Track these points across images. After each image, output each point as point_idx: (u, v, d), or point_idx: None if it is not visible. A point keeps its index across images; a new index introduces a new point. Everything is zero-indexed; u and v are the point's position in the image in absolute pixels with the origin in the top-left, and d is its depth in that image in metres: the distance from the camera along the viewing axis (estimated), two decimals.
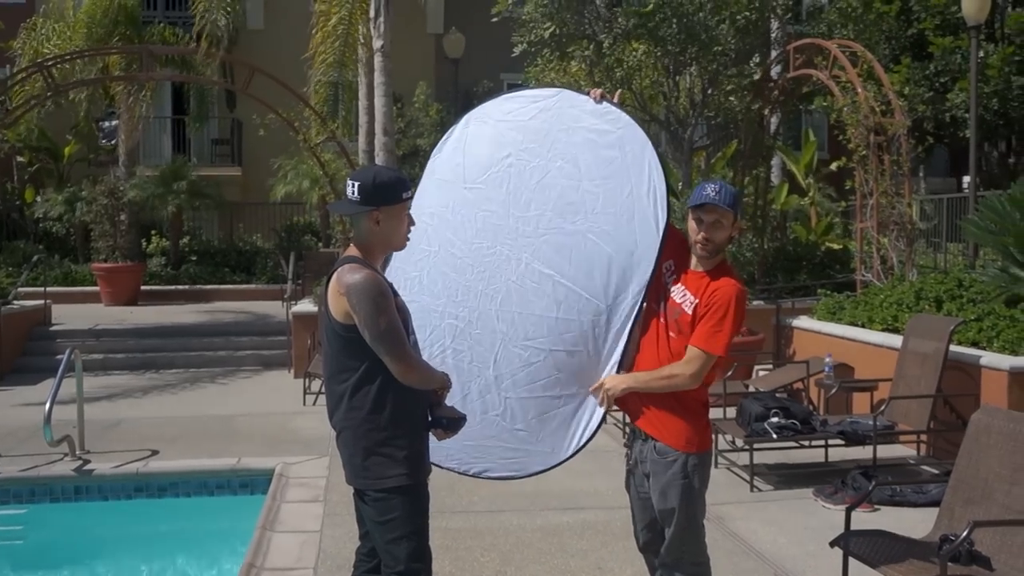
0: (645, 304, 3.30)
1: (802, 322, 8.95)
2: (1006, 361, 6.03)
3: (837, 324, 8.29)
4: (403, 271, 3.41)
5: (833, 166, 16.51)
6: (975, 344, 6.55)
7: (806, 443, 6.36)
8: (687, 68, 11.14)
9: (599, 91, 3.39)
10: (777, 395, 6.98)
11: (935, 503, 4.60)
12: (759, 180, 11.99)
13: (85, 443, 6.93)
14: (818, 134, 17.02)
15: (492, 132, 3.52)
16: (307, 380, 9.18)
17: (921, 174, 18.96)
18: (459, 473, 3.43)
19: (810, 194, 16.27)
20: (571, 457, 3.29)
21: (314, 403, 8.76)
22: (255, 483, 6.33)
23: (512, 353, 3.30)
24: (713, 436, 5.52)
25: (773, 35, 12.31)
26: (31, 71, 12.92)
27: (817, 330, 8.51)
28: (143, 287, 16.06)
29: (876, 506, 5.41)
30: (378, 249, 3.03)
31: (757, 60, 11.85)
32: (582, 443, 3.25)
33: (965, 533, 3.48)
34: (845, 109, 9.50)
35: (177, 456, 6.85)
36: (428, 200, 3.55)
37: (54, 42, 15.19)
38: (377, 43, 11.23)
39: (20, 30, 15.71)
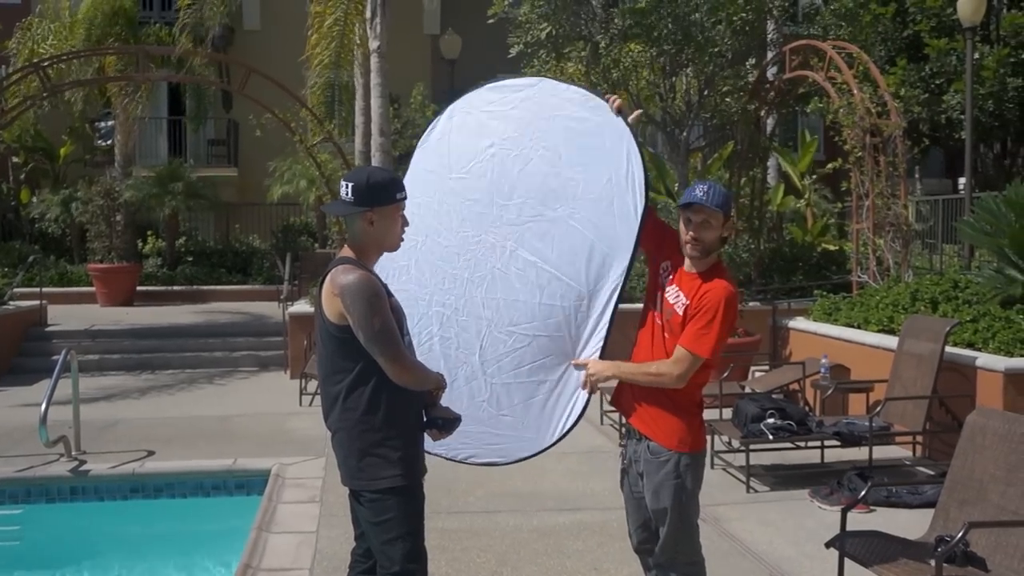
0: (645, 300, 3.34)
1: (798, 323, 8.96)
2: (1001, 362, 6.04)
3: (833, 325, 8.31)
4: (392, 260, 3.45)
5: (829, 167, 16.53)
6: (971, 345, 6.56)
7: (802, 444, 6.36)
8: (683, 69, 11.14)
9: (619, 101, 3.36)
10: (773, 396, 6.99)
11: (931, 504, 4.61)
12: (755, 181, 12.00)
13: (81, 444, 6.92)
14: (814, 136, 17.03)
15: (475, 122, 3.58)
16: (303, 381, 9.17)
17: (917, 175, 18.97)
18: (446, 459, 3.44)
19: (806, 195, 16.28)
20: (556, 443, 3.30)
21: (310, 404, 8.75)
22: (251, 484, 6.32)
23: (497, 339, 3.33)
24: (709, 437, 5.55)
25: (769, 36, 12.31)
26: (27, 71, 12.91)
27: (813, 331, 8.53)
28: (139, 288, 16.05)
29: (872, 507, 5.41)
30: (372, 250, 3.04)
31: (753, 61, 11.85)
32: (566, 429, 3.27)
33: (961, 534, 3.49)
34: (841, 110, 9.51)
35: (173, 457, 6.85)
36: (415, 191, 3.59)
37: (50, 42, 15.18)
38: (373, 44, 11.22)
39: (15, 30, 15.68)
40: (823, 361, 7.26)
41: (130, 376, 10.90)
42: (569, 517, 5.42)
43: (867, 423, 6.16)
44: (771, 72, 11.89)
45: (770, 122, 12.45)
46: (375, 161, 11.30)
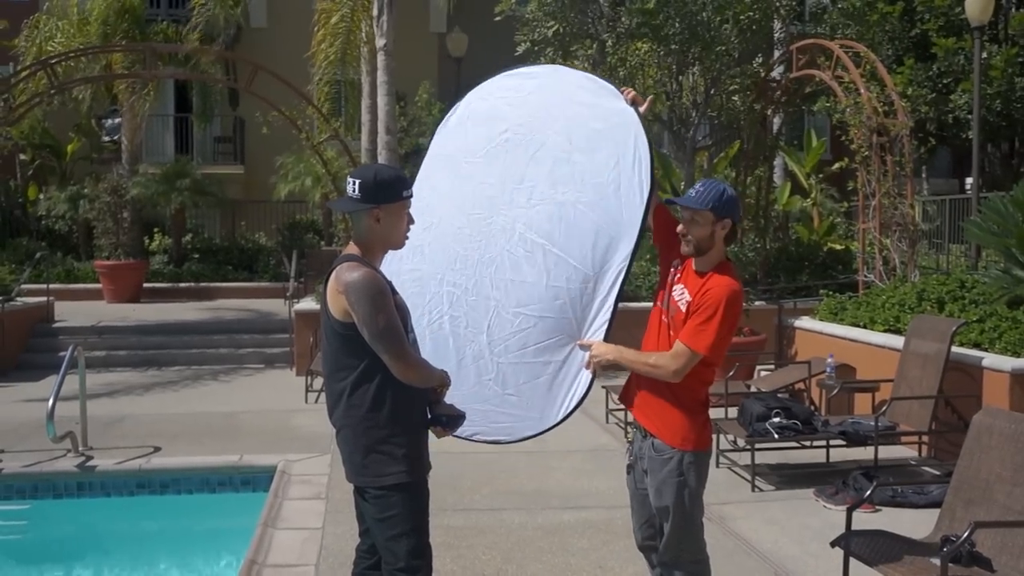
0: (655, 298, 3.37)
1: (804, 322, 8.95)
2: (1008, 363, 6.03)
3: (839, 325, 8.29)
4: (408, 239, 3.49)
5: (836, 167, 16.50)
6: (977, 345, 6.54)
7: (807, 443, 6.35)
8: (690, 68, 11.13)
9: (632, 92, 3.44)
10: (779, 395, 6.98)
11: (936, 504, 4.61)
12: (761, 180, 11.99)
13: (88, 439, 6.94)
14: (821, 135, 17.00)
15: (491, 108, 3.71)
16: (309, 378, 9.19)
17: (923, 175, 18.92)
18: (452, 436, 3.45)
19: (812, 195, 16.26)
20: (560, 423, 3.31)
21: (316, 401, 8.77)
22: (257, 480, 6.34)
23: (504, 319, 3.37)
24: (714, 436, 5.54)
25: (776, 35, 12.30)
26: (35, 68, 12.94)
27: (819, 330, 8.51)
28: (145, 285, 16.09)
29: (877, 507, 5.40)
30: (378, 247, 3.04)
31: (760, 60, 11.84)
32: (570, 409, 3.28)
33: (966, 534, 3.48)
34: (848, 110, 9.49)
35: (179, 453, 6.87)
36: (432, 174, 3.74)
37: (58, 39, 15.22)
38: (380, 41, 11.23)
39: (24, 27, 15.73)
40: (829, 360, 7.25)
41: (136, 372, 10.93)
42: (574, 515, 5.42)
43: (873, 423, 6.15)
44: (778, 71, 11.87)
45: (776, 121, 12.43)
46: (381, 158, 11.31)
